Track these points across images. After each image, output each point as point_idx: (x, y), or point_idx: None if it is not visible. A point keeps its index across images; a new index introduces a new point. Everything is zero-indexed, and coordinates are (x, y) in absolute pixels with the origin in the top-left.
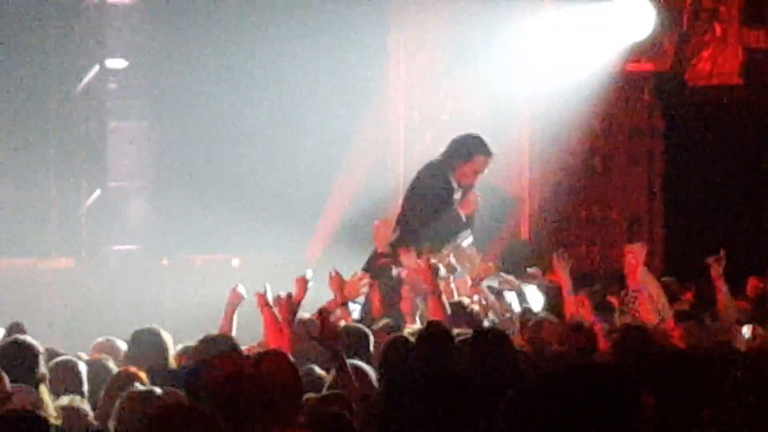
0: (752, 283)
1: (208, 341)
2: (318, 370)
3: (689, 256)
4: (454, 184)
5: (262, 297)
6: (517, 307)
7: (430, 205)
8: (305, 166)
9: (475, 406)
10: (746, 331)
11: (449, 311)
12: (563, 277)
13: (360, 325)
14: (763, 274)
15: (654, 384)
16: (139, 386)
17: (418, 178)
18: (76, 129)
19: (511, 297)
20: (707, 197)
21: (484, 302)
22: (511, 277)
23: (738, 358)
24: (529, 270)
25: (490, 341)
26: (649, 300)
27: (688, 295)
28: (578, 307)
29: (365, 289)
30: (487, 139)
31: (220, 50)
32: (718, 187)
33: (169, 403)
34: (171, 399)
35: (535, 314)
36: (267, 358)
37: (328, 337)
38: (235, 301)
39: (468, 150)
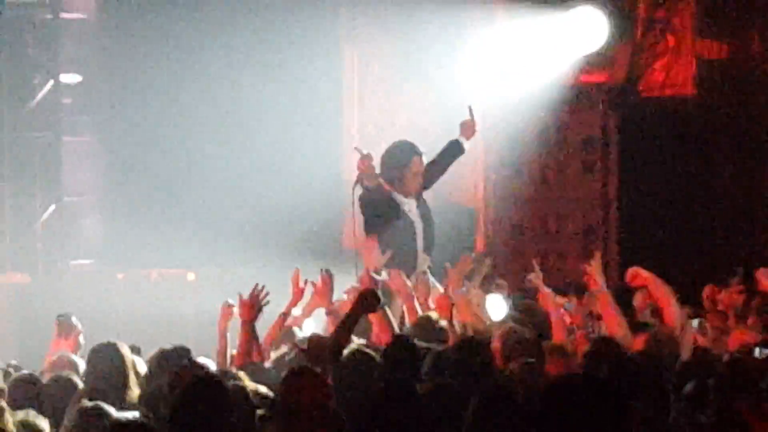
0: (709, 292)
1: (162, 355)
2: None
3: (644, 267)
4: (397, 197)
5: (243, 310)
6: (502, 312)
7: (385, 227)
8: (258, 179)
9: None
10: (695, 323)
11: (396, 329)
12: (550, 303)
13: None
14: (716, 283)
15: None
16: (87, 402)
17: (362, 206)
18: (31, 144)
19: (496, 300)
20: (662, 208)
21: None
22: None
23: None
24: (497, 282)
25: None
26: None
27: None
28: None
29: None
30: (412, 141)
31: (173, 64)
32: (672, 197)
33: (117, 420)
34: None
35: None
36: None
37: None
38: (227, 316)
39: (402, 158)
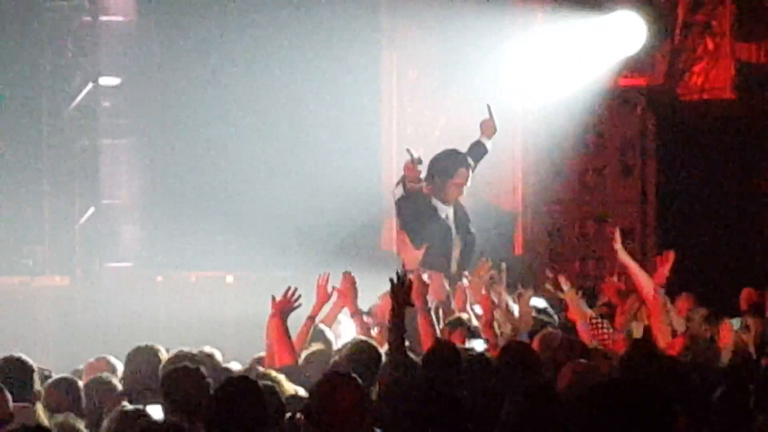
0: (746, 295)
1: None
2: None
3: (682, 269)
4: (436, 203)
5: (278, 304)
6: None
7: (421, 231)
8: (297, 183)
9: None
10: (736, 322)
11: (438, 329)
12: (578, 312)
13: (374, 343)
14: (756, 285)
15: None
16: (128, 405)
17: (399, 208)
18: (70, 147)
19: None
20: (700, 211)
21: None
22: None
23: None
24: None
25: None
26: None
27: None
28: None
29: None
30: (464, 152)
31: (212, 68)
32: (710, 200)
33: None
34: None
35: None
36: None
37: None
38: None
39: (450, 165)
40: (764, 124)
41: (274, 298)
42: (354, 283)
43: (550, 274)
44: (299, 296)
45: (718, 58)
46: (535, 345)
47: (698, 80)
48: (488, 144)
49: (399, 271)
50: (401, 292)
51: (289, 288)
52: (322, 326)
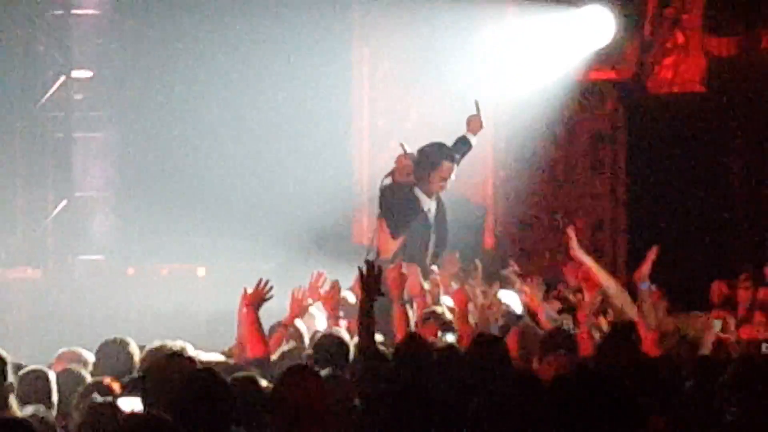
0: (717, 288)
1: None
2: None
3: (653, 262)
4: (419, 195)
5: (250, 296)
6: (518, 308)
7: (401, 222)
8: (269, 175)
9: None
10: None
11: (414, 321)
12: (537, 304)
13: (340, 334)
14: (725, 279)
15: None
16: (98, 397)
17: (383, 196)
18: (42, 139)
19: (508, 296)
20: (670, 204)
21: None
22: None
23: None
24: (504, 272)
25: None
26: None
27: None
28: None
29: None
30: (450, 147)
31: (185, 61)
32: (680, 193)
33: (132, 414)
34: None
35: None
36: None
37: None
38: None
39: (433, 158)
40: (734, 118)
41: (245, 290)
42: (339, 291)
43: (516, 269)
44: (271, 287)
45: (688, 51)
46: (512, 338)
47: (668, 74)
48: (473, 140)
49: (369, 260)
50: (371, 281)
51: (261, 279)
52: (298, 323)
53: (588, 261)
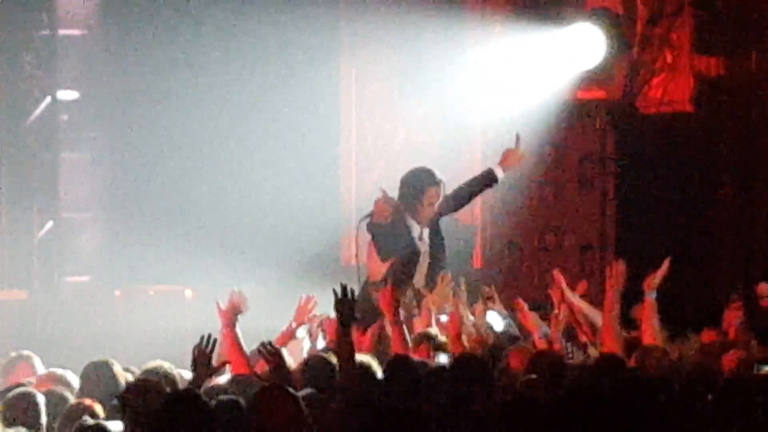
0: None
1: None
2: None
3: (641, 282)
4: (410, 222)
5: (225, 313)
6: (499, 327)
7: (390, 247)
8: (256, 196)
9: None
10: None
11: (410, 342)
12: (531, 323)
13: (325, 355)
14: (715, 299)
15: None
16: (89, 419)
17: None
18: (28, 160)
19: (493, 318)
20: (659, 224)
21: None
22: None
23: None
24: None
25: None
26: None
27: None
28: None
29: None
30: (433, 169)
31: (170, 81)
32: (669, 213)
33: None
34: None
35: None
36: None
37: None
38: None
39: (418, 187)
40: (723, 138)
41: (218, 305)
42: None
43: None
44: (245, 299)
45: (677, 71)
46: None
47: (657, 93)
48: (500, 176)
49: (343, 284)
50: (346, 306)
51: (233, 292)
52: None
53: (577, 301)
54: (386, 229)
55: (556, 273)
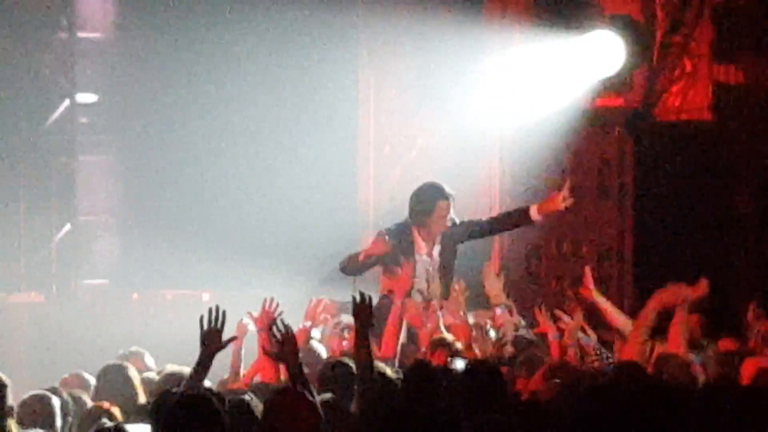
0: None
1: (168, 378)
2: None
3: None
4: (417, 241)
5: (260, 319)
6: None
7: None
8: (275, 201)
9: None
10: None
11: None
12: (547, 324)
13: (344, 360)
14: (733, 307)
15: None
16: (107, 422)
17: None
18: (46, 163)
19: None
20: (677, 232)
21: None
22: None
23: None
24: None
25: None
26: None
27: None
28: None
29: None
30: (441, 184)
31: (189, 84)
32: (688, 221)
33: None
34: None
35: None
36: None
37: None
38: (241, 334)
39: (427, 202)
40: (742, 146)
41: (251, 315)
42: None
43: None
44: (278, 305)
45: (696, 79)
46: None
47: (676, 101)
48: (537, 219)
49: (361, 291)
50: (363, 311)
51: (265, 300)
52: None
53: (607, 306)
54: (395, 244)
55: (587, 270)
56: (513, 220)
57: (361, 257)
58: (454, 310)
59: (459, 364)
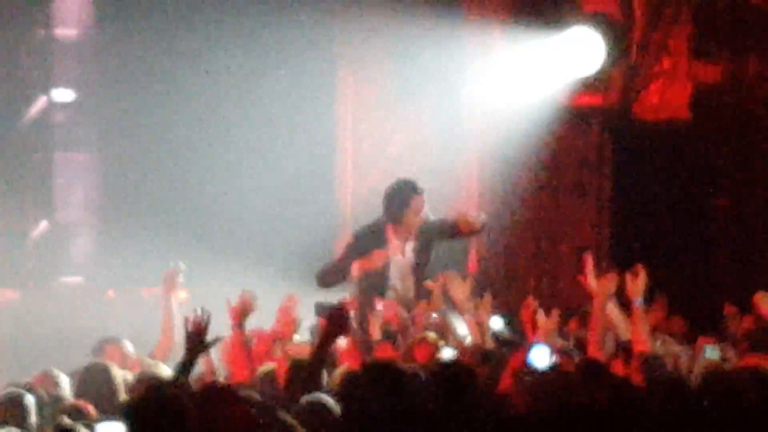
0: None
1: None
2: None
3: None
4: (393, 240)
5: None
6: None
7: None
8: (253, 198)
9: None
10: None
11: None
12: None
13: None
14: (710, 306)
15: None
16: (66, 420)
17: (356, 237)
18: (23, 160)
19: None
20: (655, 231)
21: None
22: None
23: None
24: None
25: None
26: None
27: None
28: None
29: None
30: (412, 179)
31: (167, 82)
32: (665, 220)
33: None
34: None
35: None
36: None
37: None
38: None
39: (401, 198)
40: (720, 144)
41: (229, 303)
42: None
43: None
44: (255, 298)
45: (675, 77)
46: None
47: (654, 99)
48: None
49: (341, 300)
50: (338, 319)
51: (243, 291)
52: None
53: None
54: (368, 240)
55: (587, 256)
56: (442, 231)
57: (354, 274)
58: (460, 301)
59: (446, 353)
